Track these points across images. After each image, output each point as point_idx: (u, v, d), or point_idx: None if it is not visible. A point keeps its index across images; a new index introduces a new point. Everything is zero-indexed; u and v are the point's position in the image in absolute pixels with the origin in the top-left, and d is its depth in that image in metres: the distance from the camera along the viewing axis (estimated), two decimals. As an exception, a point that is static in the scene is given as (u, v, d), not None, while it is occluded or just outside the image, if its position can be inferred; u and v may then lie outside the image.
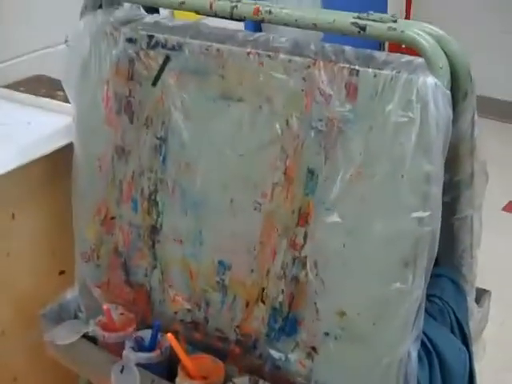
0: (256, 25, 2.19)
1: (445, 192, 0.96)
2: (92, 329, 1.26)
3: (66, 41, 1.76)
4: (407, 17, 3.56)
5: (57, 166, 1.31)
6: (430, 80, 0.86)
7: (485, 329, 1.30)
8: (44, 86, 1.63)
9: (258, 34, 1.04)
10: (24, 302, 1.36)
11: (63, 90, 1.57)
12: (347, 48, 0.96)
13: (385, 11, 3.19)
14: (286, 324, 1.09)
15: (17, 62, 1.73)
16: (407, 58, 0.92)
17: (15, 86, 1.62)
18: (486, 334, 1.28)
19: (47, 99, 1.45)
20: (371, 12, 0.91)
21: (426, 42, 0.87)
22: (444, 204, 0.96)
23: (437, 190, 0.91)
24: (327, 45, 0.97)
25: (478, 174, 1.01)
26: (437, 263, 1.05)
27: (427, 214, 0.91)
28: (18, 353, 1.38)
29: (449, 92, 0.87)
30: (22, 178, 1.27)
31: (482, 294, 1.28)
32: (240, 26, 1.67)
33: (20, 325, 1.37)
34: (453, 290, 1.14)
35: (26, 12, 1.73)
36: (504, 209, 2.65)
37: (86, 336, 1.25)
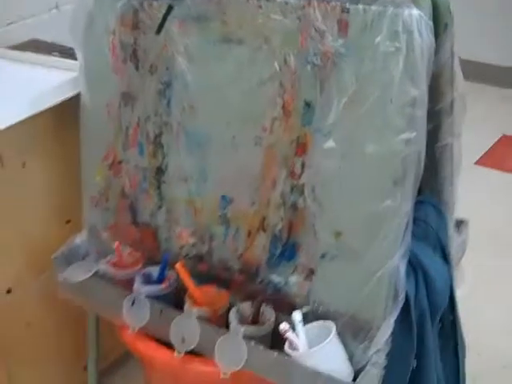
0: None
1: (427, 121, 1.06)
2: (102, 267, 1.34)
3: (57, 6, 1.83)
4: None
5: (64, 116, 1.39)
6: (414, 12, 0.97)
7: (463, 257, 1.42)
8: (40, 49, 1.70)
9: (255, -18, 1.13)
10: (35, 249, 1.44)
11: (58, 52, 1.65)
12: (338, -11, 1.06)
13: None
14: (286, 249, 1.19)
15: (11, 28, 1.79)
16: (393, -5, 1.02)
17: (13, 49, 1.68)
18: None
19: (47, 56, 1.53)
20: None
21: (410, -23, 0.98)
22: (426, 133, 1.07)
23: (422, 113, 1.01)
24: (320, -13, 1.07)
25: (457, 103, 1.12)
26: (419, 192, 1.16)
27: (413, 134, 1.01)
28: (31, 298, 1.46)
29: (431, 22, 0.98)
30: (31, 128, 1.35)
31: (460, 223, 1.40)
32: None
33: (32, 271, 1.45)
34: (435, 215, 1.25)
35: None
36: (477, 163, 2.79)
37: (96, 275, 1.34)
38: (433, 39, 0.98)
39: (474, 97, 3.12)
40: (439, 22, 1.02)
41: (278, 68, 1.10)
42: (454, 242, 1.31)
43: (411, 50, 0.97)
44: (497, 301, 2.07)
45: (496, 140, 3.00)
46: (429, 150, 1.11)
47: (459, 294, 1.31)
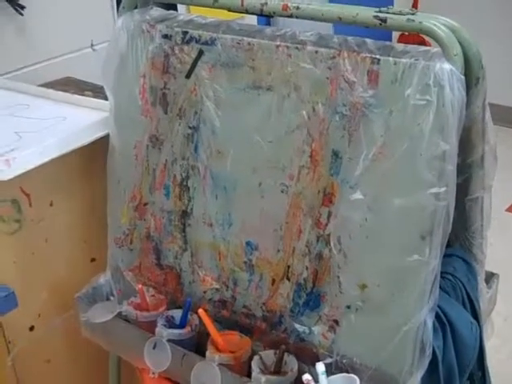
0: (267, 20, 2.38)
1: (457, 174, 1.04)
2: (125, 308, 1.34)
3: (92, 45, 1.87)
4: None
5: (93, 156, 1.40)
6: (446, 66, 0.96)
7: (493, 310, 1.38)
8: (72, 87, 1.73)
9: (284, 30, 1.13)
10: (59, 286, 1.44)
11: (91, 90, 1.67)
12: (368, 40, 1.05)
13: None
14: (310, 299, 1.17)
15: (46, 65, 1.83)
16: (424, 48, 1.01)
17: (46, 86, 1.71)
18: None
19: (79, 96, 1.55)
20: (390, 6, 1.01)
21: (441, 31, 0.97)
22: (456, 185, 1.04)
23: (451, 168, 0.99)
24: (350, 37, 1.07)
25: (488, 156, 1.10)
26: (449, 245, 1.13)
27: (443, 189, 0.99)
28: (53, 336, 1.46)
29: (463, 77, 0.96)
30: (60, 167, 1.36)
31: (490, 277, 1.36)
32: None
33: (55, 308, 1.44)
34: (464, 269, 1.23)
35: (52, 18, 1.83)
36: (508, 209, 2.74)
37: (119, 316, 1.33)
38: (464, 93, 0.97)
39: (507, 142, 3.11)
40: (471, 76, 1.00)
41: (306, 117, 1.09)
42: (483, 295, 1.28)
43: (442, 103, 0.96)
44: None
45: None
46: (459, 202, 1.09)
47: (488, 349, 1.27)
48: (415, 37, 3.23)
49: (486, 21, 3.41)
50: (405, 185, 1.02)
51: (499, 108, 3.31)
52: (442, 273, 1.10)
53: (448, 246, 1.11)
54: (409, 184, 1.01)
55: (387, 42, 1.04)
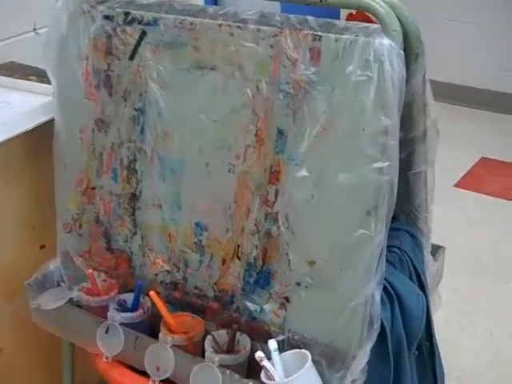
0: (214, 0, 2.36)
1: (400, 149, 1.05)
2: (76, 294, 1.33)
3: (35, 29, 1.82)
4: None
5: (37, 142, 1.38)
6: (385, 41, 0.97)
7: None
8: (16, 72, 1.69)
9: (227, 9, 1.13)
10: (7, 275, 1.42)
11: (35, 75, 1.64)
12: (310, 18, 1.06)
13: None
14: (261, 277, 1.18)
15: (-13, 51, 1.78)
16: (364, 24, 1.02)
17: (-11, 72, 1.67)
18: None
19: (22, 80, 1.51)
20: (331, -17, 1.01)
21: (380, 7, 0.98)
22: (400, 161, 1.06)
23: (394, 142, 1.01)
24: (292, 16, 1.07)
25: (430, 131, 1.12)
26: (395, 219, 1.15)
27: (386, 164, 1.01)
28: (3, 325, 1.44)
29: (402, 52, 0.98)
30: (4, 154, 1.33)
31: (437, 250, 1.39)
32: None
33: (4, 297, 1.43)
34: (410, 242, 1.25)
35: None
36: (456, 185, 2.79)
37: (70, 302, 1.32)
38: (404, 69, 0.98)
39: (453, 119, 3.18)
40: (410, 52, 1.01)
41: (250, 95, 1.09)
42: (430, 268, 1.30)
43: (382, 79, 0.97)
44: (474, 326, 2.07)
45: (475, 162, 3.01)
46: (402, 177, 1.11)
47: (436, 320, 1.30)
48: (362, 15, 3.24)
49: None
50: (349, 160, 1.03)
51: (450, 86, 3.38)
52: (388, 246, 1.12)
53: (394, 220, 1.13)
54: (352, 160, 1.03)
55: (328, 20, 1.05)
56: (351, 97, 1.00)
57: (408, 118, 1.08)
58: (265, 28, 1.06)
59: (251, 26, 1.07)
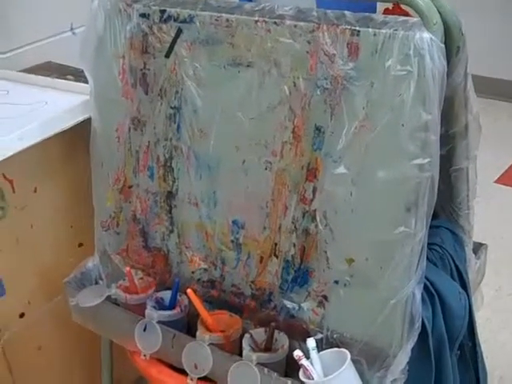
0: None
1: (441, 145, 1.03)
2: (114, 292, 1.33)
3: (72, 28, 1.84)
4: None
5: (75, 140, 1.39)
6: (426, 35, 0.95)
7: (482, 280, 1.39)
8: (54, 71, 1.71)
9: (263, 5, 1.11)
10: (47, 273, 1.43)
11: (72, 74, 1.65)
12: (347, 13, 1.04)
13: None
14: (298, 275, 1.17)
15: (26, 50, 1.80)
16: (403, 18, 1.00)
17: (27, 72, 1.69)
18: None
19: (60, 80, 1.53)
20: (369, -22, 0.99)
21: (420, 0, 0.96)
22: (441, 157, 1.04)
23: (435, 138, 0.99)
24: (329, 11, 1.05)
25: (471, 126, 1.09)
26: (435, 216, 1.13)
27: (427, 160, 0.99)
28: (44, 322, 1.46)
29: (443, 45, 0.95)
30: (43, 152, 1.34)
31: (479, 247, 1.36)
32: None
33: (44, 295, 1.44)
34: (452, 240, 1.23)
35: (31, 2, 1.80)
36: (496, 181, 2.74)
37: (108, 300, 1.33)
38: (445, 62, 0.96)
39: (493, 114, 3.12)
40: (451, 45, 0.99)
41: (287, 92, 1.08)
42: (472, 266, 1.28)
43: (422, 73, 0.95)
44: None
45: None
46: (443, 174, 1.09)
47: (477, 319, 1.28)
48: (399, 10, 3.20)
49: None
50: (388, 157, 1.01)
51: (487, 80, 3.31)
52: (429, 244, 1.10)
53: (435, 217, 1.11)
54: (392, 156, 1.01)
55: (366, 14, 1.03)
56: (390, 92, 0.98)
57: (449, 113, 1.06)
58: (302, 24, 1.05)
59: (288, 22, 1.06)
